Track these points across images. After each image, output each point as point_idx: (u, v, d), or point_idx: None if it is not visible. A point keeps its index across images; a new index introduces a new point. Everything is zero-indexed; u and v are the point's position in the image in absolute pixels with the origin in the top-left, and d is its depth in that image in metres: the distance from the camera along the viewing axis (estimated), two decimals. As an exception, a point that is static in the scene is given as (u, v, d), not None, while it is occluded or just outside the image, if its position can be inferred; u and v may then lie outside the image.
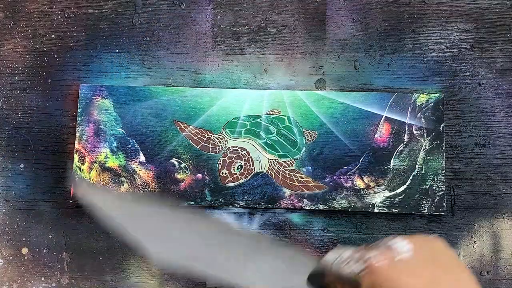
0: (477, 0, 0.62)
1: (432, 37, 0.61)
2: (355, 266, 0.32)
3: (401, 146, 0.58)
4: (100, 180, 0.58)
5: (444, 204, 0.57)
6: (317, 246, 0.58)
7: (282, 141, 0.58)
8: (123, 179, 0.58)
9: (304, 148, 0.58)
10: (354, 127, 0.58)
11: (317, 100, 0.59)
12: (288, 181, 0.57)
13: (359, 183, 0.57)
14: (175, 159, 0.58)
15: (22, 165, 0.60)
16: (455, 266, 0.34)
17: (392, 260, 0.31)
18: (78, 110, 0.59)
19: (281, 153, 0.58)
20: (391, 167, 0.58)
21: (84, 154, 0.58)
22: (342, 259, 0.32)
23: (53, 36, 0.62)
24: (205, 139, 0.58)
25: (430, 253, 0.33)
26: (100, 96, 0.59)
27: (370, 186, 0.57)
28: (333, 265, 0.33)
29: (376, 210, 0.57)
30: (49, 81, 0.61)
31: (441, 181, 0.57)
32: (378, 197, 0.57)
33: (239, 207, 0.58)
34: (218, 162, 0.58)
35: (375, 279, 0.31)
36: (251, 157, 0.58)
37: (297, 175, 0.57)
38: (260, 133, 0.58)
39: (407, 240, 0.32)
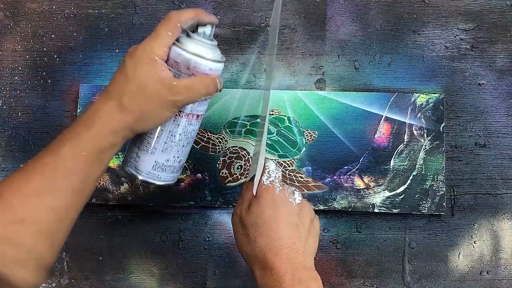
0: (477, 0, 0.62)
1: (432, 37, 0.61)
2: (267, 181, 0.45)
3: (401, 146, 0.58)
4: (100, 180, 0.58)
5: (444, 204, 0.57)
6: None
7: (282, 141, 0.58)
8: (123, 179, 0.58)
9: (304, 148, 0.58)
10: (354, 127, 0.58)
11: (317, 100, 0.59)
12: (288, 181, 0.57)
13: (359, 183, 0.57)
14: (175, 159, 0.58)
15: (22, 165, 0.60)
16: (313, 232, 0.46)
17: (284, 195, 0.45)
18: (78, 110, 0.59)
19: (281, 153, 0.58)
20: (391, 167, 0.58)
21: (84, 154, 0.58)
22: (269, 173, 0.46)
23: (53, 36, 0.62)
24: (205, 139, 0.58)
25: (305, 213, 0.45)
26: (100, 96, 0.59)
27: (370, 186, 0.57)
28: (263, 171, 0.46)
29: (376, 210, 0.57)
30: (49, 81, 0.61)
31: (441, 181, 0.57)
32: (378, 197, 0.57)
33: (239, 207, 0.58)
34: (218, 162, 0.58)
35: (264, 193, 0.44)
36: (251, 157, 0.58)
37: (297, 175, 0.57)
38: (260, 133, 0.58)
39: (302, 198, 0.46)
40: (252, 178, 0.47)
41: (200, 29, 0.44)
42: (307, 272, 0.42)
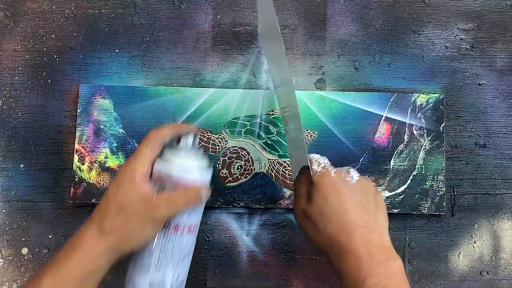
0: (477, 0, 0.62)
1: (432, 37, 0.61)
2: (318, 168, 0.45)
3: (401, 146, 0.58)
4: (100, 180, 0.58)
5: (444, 204, 0.57)
6: (317, 246, 0.58)
7: (282, 141, 0.58)
8: (123, 179, 0.58)
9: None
10: (354, 127, 0.58)
11: (317, 100, 0.59)
12: (288, 181, 0.57)
13: (359, 183, 0.57)
14: (175, 159, 0.58)
15: (22, 165, 0.60)
16: (380, 206, 0.44)
17: (341, 176, 0.44)
18: (78, 110, 0.59)
19: (281, 153, 0.58)
20: (391, 167, 0.58)
21: (84, 154, 0.58)
22: (317, 161, 0.45)
23: (53, 36, 0.62)
24: (205, 139, 0.58)
25: (367, 189, 0.44)
26: (100, 96, 0.59)
27: (370, 186, 0.57)
28: (310, 162, 0.45)
29: (376, 210, 0.57)
30: (49, 81, 0.61)
31: (441, 181, 0.57)
32: (378, 197, 0.57)
33: (239, 207, 0.58)
34: (218, 162, 0.58)
35: (321, 179, 0.43)
36: (251, 157, 0.58)
37: (297, 175, 0.57)
38: (260, 133, 0.58)
39: (359, 174, 0.44)
40: (300, 172, 0.46)
41: (182, 141, 0.45)
42: (385, 252, 0.41)
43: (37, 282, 0.39)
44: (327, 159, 0.46)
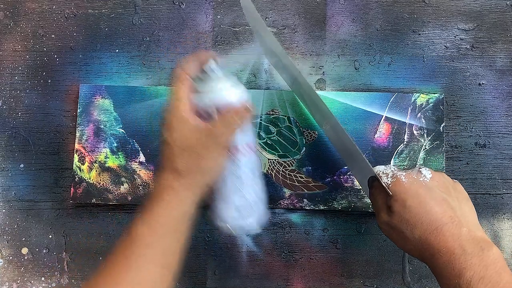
0: (477, 0, 0.62)
1: (432, 37, 0.61)
2: (388, 179, 0.44)
3: (401, 146, 0.58)
4: (100, 180, 0.58)
5: (444, 204, 0.57)
6: (317, 246, 0.58)
7: (282, 141, 0.58)
8: (123, 179, 0.58)
9: (304, 148, 0.58)
10: (354, 127, 0.58)
11: (317, 100, 0.59)
12: (288, 181, 0.57)
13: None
14: (175, 159, 0.58)
15: (22, 165, 0.60)
16: (462, 197, 0.43)
17: (413, 178, 0.43)
18: (78, 110, 0.59)
19: (281, 153, 0.58)
20: (391, 167, 0.58)
21: (84, 154, 0.58)
22: (384, 173, 0.44)
23: (53, 36, 0.62)
24: (205, 139, 0.58)
25: (444, 183, 0.43)
26: (100, 96, 0.59)
27: (370, 186, 0.57)
28: (378, 176, 0.44)
29: (376, 210, 0.57)
30: (49, 81, 0.61)
31: (441, 181, 0.57)
32: (378, 197, 0.57)
33: (239, 207, 0.58)
34: (218, 162, 0.58)
35: (395, 188, 0.43)
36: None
37: (297, 175, 0.57)
38: (260, 133, 0.58)
39: (431, 170, 0.44)
40: (370, 186, 0.46)
41: (207, 69, 0.45)
42: (478, 243, 0.39)
43: (133, 231, 0.41)
44: (392, 166, 0.46)
